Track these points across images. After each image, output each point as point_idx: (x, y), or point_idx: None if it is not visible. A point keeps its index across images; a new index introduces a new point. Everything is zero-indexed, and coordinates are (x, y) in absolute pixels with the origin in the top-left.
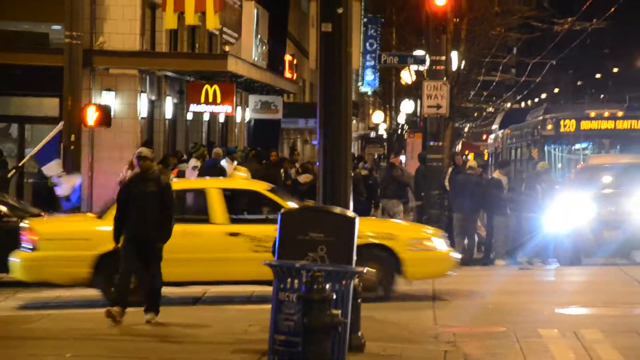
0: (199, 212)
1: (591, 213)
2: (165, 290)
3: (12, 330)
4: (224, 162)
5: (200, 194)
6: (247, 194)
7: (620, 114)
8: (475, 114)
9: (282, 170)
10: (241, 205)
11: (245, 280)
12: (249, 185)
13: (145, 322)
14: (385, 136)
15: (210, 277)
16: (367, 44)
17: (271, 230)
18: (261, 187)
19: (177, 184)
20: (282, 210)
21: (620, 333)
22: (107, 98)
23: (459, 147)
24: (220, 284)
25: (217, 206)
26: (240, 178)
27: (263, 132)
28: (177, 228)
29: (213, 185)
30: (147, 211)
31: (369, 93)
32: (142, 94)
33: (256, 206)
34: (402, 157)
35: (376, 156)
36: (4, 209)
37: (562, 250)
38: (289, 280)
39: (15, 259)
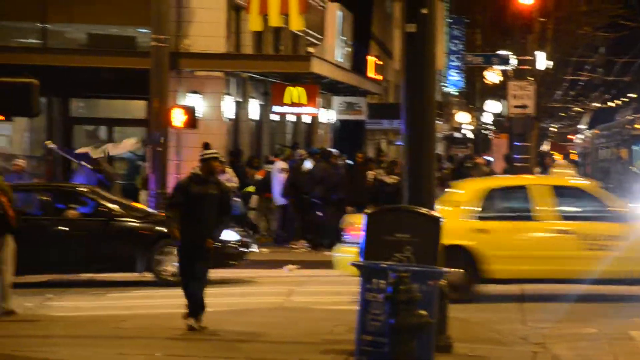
0: (522, 209)
1: None
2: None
3: (102, 330)
4: (308, 163)
5: (522, 190)
6: (570, 190)
7: None
8: (563, 114)
9: (367, 172)
10: (565, 201)
11: (575, 278)
12: (574, 182)
13: (188, 328)
14: (470, 136)
15: (541, 275)
16: (452, 44)
17: (603, 229)
18: (588, 185)
19: (497, 181)
20: (368, 211)
21: None
22: (193, 100)
23: (546, 147)
24: (548, 282)
25: (543, 203)
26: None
27: (347, 133)
28: (506, 225)
29: (536, 182)
30: (205, 214)
31: (454, 93)
32: (228, 96)
33: (577, 203)
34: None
35: (461, 156)
36: (117, 208)
37: None
38: (375, 280)
39: (342, 255)
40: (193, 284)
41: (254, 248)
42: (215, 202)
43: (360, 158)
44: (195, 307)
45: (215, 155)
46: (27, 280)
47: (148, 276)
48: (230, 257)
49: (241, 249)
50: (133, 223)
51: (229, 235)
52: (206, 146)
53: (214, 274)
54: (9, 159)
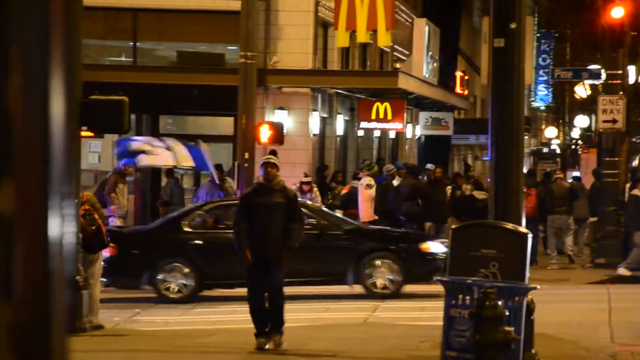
0: None
1: None
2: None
3: (187, 344)
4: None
5: None
6: None
7: None
8: None
9: (448, 187)
10: None
11: None
12: None
13: (274, 346)
14: (558, 151)
15: None
16: (540, 58)
17: None
18: None
19: None
20: (454, 226)
21: None
22: (280, 116)
23: (636, 162)
24: None
25: None
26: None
27: (433, 148)
28: None
29: None
30: (271, 224)
31: (542, 108)
32: (314, 112)
33: None
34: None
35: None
36: (328, 221)
37: None
38: (460, 296)
39: None
40: (269, 300)
41: None
42: (281, 211)
43: (439, 173)
44: (277, 320)
45: (268, 160)
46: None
47: (357, 289)
48: (439, 270)
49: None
50: (344, 236)
51: (437, 247)
52: (271, 153)
53: (415, 288)
54: (100, 175)
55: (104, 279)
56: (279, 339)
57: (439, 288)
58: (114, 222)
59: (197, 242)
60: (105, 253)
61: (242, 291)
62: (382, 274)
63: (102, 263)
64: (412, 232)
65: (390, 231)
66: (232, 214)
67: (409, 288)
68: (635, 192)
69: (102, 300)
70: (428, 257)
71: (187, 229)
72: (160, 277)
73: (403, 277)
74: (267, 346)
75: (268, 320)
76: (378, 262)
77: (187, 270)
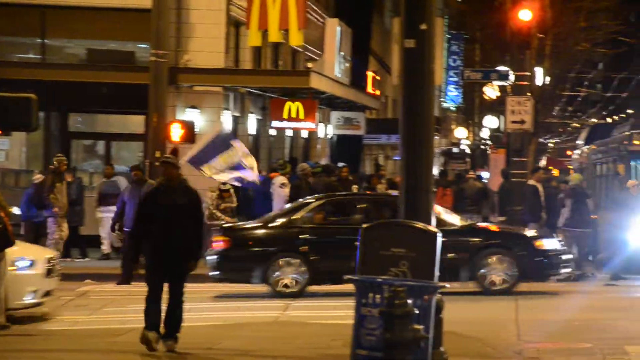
0: None
1: None
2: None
3: (95, 343)
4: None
5: None
6: None
7: None
8: (560, 130)
9: (355, 186)
10: None
11: None
12: None
13: (166, 350)
14: (468, 151)
15: None
16: (450, 60)
17: None
18: None
19: None
20: (364, 225)
21: None
22: (192, 115)
23: (543, 163)
24: None
25: None
26: None
27: (345, 148)
28: None
29: None
30: (174, 226)
31: (452, 108)
32: (226, 111)
33: None
34: (484, 173)
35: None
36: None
37: None
38: (370, 295)
39: None
40: (168, 307)
41: None
42: (184, 212)
43: (344, 172)
44: (175, 326)
45: (166, 159)
46: None
47: (471, 286)
48: (553, 267)
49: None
50: (458, 232)
51: (552, 243)
52: (172, 153)
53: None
54: (6, 173)
55: (216, 272)
56: (172, 344)
57: (350, 287)
58: (53, 224)
59: (309, 236)
60: (218, 247)
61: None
62: (499, 271)
63: (216, 257)
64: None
65: (505, 228)
66: (347, 208)
67: (314, 287)
68: (532, 181)
69: (218, 296)
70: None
71: (299, 224)
72: (272, 271)
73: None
74: (157, 346)
75: (165, 323)
76: (492, 259)
77: (299, 265)
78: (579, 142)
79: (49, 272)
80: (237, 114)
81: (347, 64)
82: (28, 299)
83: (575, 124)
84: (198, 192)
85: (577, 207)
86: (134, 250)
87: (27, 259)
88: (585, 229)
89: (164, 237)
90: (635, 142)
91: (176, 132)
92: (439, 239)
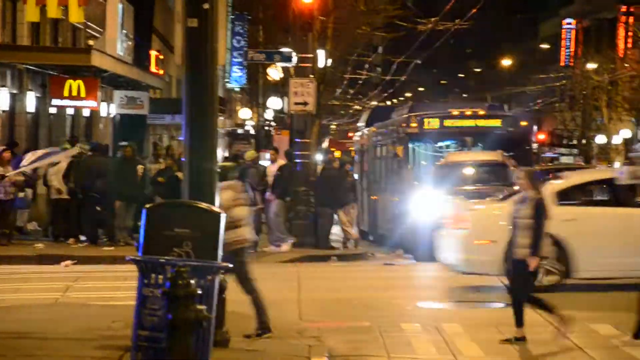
0: None
1: (446, 210)
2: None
3: None
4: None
5: None
6: None
7: (481, 112)
8: (342, 112)
9: (140, 166)
10: None
11: None
12: None
13: None
14: (252, 132)
15: None
16: (234, 40)
17: None
18: None
19: None
20: (147, 206)
21: (480, 327)
22: None
23: (326, 144)
24: None
25: None
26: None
27: (129, 128)
28: None
29: None
30: None
31: (236, 89)
32: (3, 88)
33: None
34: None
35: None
36: None
37: (420, 245)
38: (153, 275)
39: None
40: None
41: None
42: None
43: (128, 152)
44: None
45: None
46: None
47: None
48: None
49: None
50: None
51: None
52: None
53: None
54: None
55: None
56: None
57: (134, 268)
58: None
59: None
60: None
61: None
62: None
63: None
64: None
65: None
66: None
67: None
68: (281, 161)
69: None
70: None
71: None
72: None
73: None
74: None
75: None
76: None
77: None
78: (360, 124)
79: None
80: (15, 91)
81: (130, 43)
82: None
83: (356, 106)
84: None
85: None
86: None
87: None
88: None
89: None
90: (413, 124)
91: None
92: (223, 220)
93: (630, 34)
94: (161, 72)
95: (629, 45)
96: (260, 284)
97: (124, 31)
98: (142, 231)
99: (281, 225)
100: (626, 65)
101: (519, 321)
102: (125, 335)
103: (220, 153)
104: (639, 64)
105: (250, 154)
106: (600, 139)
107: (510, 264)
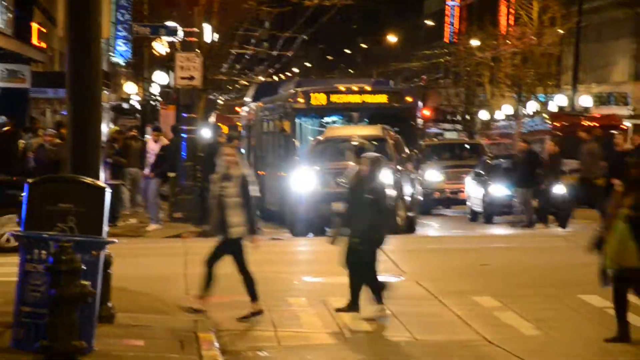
0: None
1: (322, 185)
2: None
3: None
4: None
5: None
6: None
7: (368, 88)
8: (229, 87)
9: (21, 141)
10: None
11: None
12: None
13: None
14: (138, 107)
15: None
16: (118, 14)
17: None
18: None
19: None
20: (30, 180)
21: (366, 301)
22: None
23: (213, 119)
24: None
25: None
26: None
27: (10, 102)
28: None
29: None
30: None
31: (122, 63)
32: None
33: None
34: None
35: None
36: None
37: (297, 222)
38: (36, 251)
39: None
40: None
41: None
42: None
43: (9, 127)
44: None
45: None
46: None
47: None
48: None
49: None
50: None
51: None
52: None
53: None
54: None
55: None
56: None
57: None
58: None
59: None
60: None
61: None
62: None
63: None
64: None
65: None
66: None
67: None
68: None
69: None
70: None
71: None
72: None
73: None
74: None
75: None
76: None
77: None
78: (247, 99)
79: None
80: None
81: (10, 15)
82: None
83: (243, 82)
84: None
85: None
86: None
87: None
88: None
89: None
90: (300, 100)
91: None
92: (107, 194)
93: (512, 11)
94: (44, 45)
95: (511, 23)
96: (146, 259)
97: (4, 2)
98: (24, 206)
99: (157, 206)
100: (508, 42)
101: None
102: (7, 312)
103: (105, 128)
104: (520, 40)
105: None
106: (484, 115)
107: None
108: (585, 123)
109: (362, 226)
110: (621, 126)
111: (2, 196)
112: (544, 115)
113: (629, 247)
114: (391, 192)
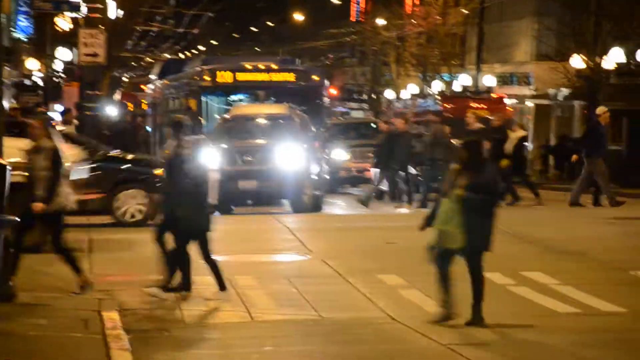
0: None
1: (229, 163)
2: None
3: None
4: None
5: None
6: None
7: (274, 66)
8: (135, 64)
9: None
10: None
11: None
12: None
13: None
14: (41, 84)
15: None
16: None
17: None
18: None
19: None
20: None
21: (272, 279)
22: None
23: (117, 97)
24: None
25: None
26: None
27: None
28: None
29: None
30: None
31: (23, 39)
32: None
33: None
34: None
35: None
36: None
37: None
38: None
39: None
40: None
41: None
42: None
43: None
44: None
45: None
46: None
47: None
48: None
49: None
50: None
51: None
52: None
53: None
54: None
55: None
56: None
57: None
58: None
59: None
60: None
61: None
62: None
63: None
64: None
65: None
66: None
67: None
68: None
69: None
70: None
71: None
72: None
73: None
74: None
75: None
76: None
77: None
78: (153, 76)
79: None
80: None
81: None
82: None
83: (149, 59)
84: None
85: None
86: None
87: None
88: None
89: None
90: (206, 77)
91: None
92: (9, 173)
93: None
94: None
95: (417, 2)
96: None
97: None
98: None
99: None
100: (413, 21)
101: None
102: None
103: (6, 104)
104: (425, 20)
105: None
106: (389, 94)
107: None
108: (474, 105)
109: (183, 212)
110: (507, 108)
111: None
112: (436, 96)
113: (453, 227)
114: (213, 176)
